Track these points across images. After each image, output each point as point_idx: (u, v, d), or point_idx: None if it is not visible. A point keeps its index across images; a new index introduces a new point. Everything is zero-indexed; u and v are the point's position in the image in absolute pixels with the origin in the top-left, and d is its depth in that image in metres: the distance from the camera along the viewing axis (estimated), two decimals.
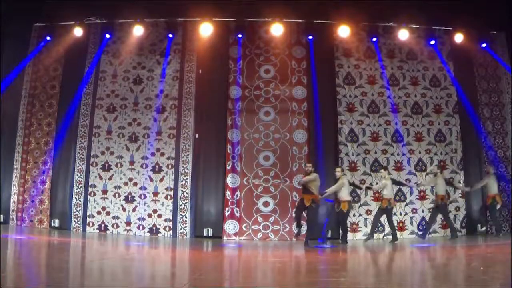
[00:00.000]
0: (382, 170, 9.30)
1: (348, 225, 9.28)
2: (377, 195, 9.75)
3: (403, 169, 10.00)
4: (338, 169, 9.03)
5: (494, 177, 9.36)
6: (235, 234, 9.62)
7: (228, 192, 9.79)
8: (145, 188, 9.87)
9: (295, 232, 8.79)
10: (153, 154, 10.02)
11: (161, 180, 9.91)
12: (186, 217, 9.69)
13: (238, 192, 9.79)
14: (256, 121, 10.15)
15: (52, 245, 6.83)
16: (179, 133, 10.05)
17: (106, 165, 10.02)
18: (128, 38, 10.38)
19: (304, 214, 8.60)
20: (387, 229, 9.64)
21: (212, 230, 9.67)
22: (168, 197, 9.82)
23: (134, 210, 9.82)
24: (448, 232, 9.63)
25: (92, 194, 9.90)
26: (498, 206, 9.27)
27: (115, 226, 9.79)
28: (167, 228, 9.71)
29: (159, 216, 9.77)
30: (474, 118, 10.14)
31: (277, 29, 10.09)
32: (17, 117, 10.27)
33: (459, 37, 10.22)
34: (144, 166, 9.97)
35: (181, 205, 9.75)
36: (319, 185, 8.39)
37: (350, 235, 9.52)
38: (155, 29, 10.56)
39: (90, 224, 9.78)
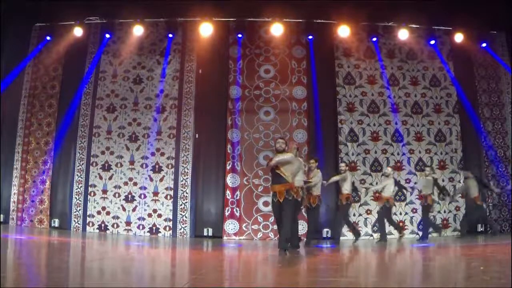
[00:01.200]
0: (389, 169, 9.15)
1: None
2: (377, 194, 9.75)
3: (403, 169, 10.01)
4: (342, 165, 9.02)
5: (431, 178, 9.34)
6: (235, 234, 9.62)
7: (228, 192, 9.79)
8: (145, 188, 9.87)
9: (284, 251, 6.12)
10: (153, 154, 10.02)
11: (161, 180, 9.91)
12: (186, 217, 9.70)
13: (238, 192, 9.79)
14: (256, 121, 10.15)
15: (52, 245, 6.83)
16: (179, 133, 10.05)
17: (106, 165, 10.02)
18: (128, 38, 10.38)
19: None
20: (388, 228, 9.67)
21: (212, 230, 9.66)
22: (168, 197, 9.82)
23: (134, 210, 9.82)
24: (448, 231, 9.67)
25: (92, 194, 9.90)
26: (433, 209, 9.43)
27: (115, 226, 9.79)
28: (167, 228, 9.71)
29: (159, 216, 9.77)
30: (474, 118, 10.15)
31: (277, 29, 10.09)
32: (17, 117, 10.28)
33: (459, 37, 10.22)
34: (144, 166, 9.97)
35: (181, 205, 9.75)
36: (297, 171, 6.75)
37: (350, 235, 9.52)
38: (155, 29, 10.56)
39: (90, 224, 9.79)
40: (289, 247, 6.31)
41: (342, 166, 8.96)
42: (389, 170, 9.13)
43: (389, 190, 8.88)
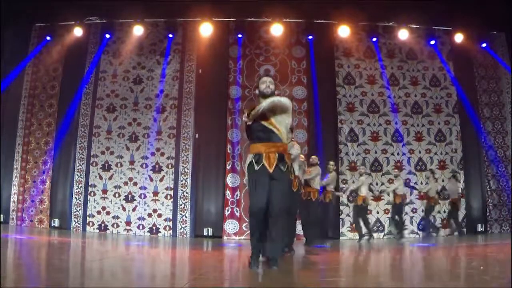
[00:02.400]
0: (315, 158, 8.29)
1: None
2: (376, 194, 9.76)
3: (403, 169, 10.01)
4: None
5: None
6: (235, 234, 9.63)
7: (228, 192, 9.80)
8: (145, 188, 9.87)
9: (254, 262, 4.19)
10: (153, 154, 10.03)
11: (161, 179, 9.92)
12: (186, 217, 9.70)
13: (238, 192, 9.80)
14: None
15: (52, 245, 6.83)
16: (179, 133, 10.06)
17: (106, 165, 10.03)
18: (128, 38, 10.39)
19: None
20: (387, 228, 9.69)
21: (212, 229, 9.66)
22: (168, 196, 9.83)
23: (134, 209, 9.83)
24: (447, 231, 9.69)
25: (92, 194, 9.90)
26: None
27: (115, 225, 9.79)
28: (167, 228, 9.71)
29: (159, 215, 9.78)
30: (474, 118, 10.15)
31: (277, 29, 10.10)
32: (17, 117, 10.28)
33: (459, 37, 10.24)
34: (144, 166, 9.98)
35: (181, 204, 9.75)
36: (289, 125, 4.48)
37: (350, 235, 9.53)
38: (155, 29, 10.57)
39: (90, 224, 9.79)
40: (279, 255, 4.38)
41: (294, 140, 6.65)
42: (315, 159, 8.19)
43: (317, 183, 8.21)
